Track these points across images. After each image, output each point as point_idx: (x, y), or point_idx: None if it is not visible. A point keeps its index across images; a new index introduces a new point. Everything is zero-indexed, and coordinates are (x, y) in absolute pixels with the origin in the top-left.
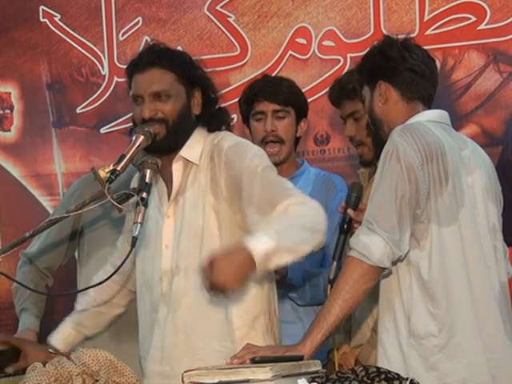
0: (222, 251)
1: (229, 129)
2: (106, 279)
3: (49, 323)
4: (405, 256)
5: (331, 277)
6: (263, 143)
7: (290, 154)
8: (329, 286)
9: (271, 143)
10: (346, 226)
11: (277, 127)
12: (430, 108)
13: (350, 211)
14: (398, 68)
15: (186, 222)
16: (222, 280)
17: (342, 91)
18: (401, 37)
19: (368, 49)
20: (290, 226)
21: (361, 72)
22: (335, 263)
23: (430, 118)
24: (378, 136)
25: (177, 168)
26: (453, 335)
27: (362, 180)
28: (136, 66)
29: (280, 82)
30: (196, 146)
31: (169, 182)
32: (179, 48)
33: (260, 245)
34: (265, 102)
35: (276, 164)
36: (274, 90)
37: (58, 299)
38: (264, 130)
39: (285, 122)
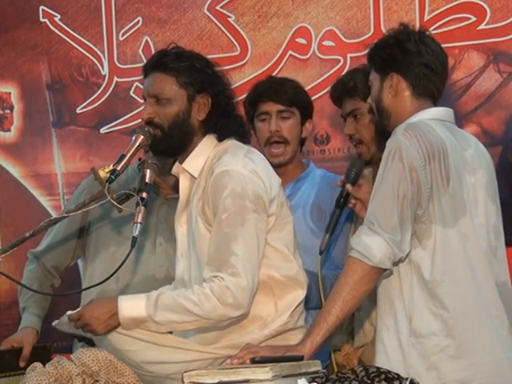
0: (102, 299)
1: (244, 137)
2: (107, 278)
3: (49, 323)
4: (406, 256)
5: (322, 248)
6: (268, 144)
7: (295, 155)
8: (319, 256)
9: (276, 144)
10: (342, 201)
11: (281, 128)
12: (436, 103)
13: (348, 186)
14: (412, 62)
15: (195, 235)
16: (87, 320)
17: (343, 89)
18: (416, 27)
19: (384, 36)
20: (180, 306)
21: (373, 59)
22: (327, 235)
23: (435, 116)
24: (381, 125)
25: (182, 180)
26: (455, 335)
27: (366, 182)
28: (144, 70)
29: (285, 82)
30: (200, 157)
31: None
32: None
33: (131, 310)
34: (269, 102)
35: (281, 165)
36: (278, 91)
37: (60, 299)
38: (268, 131)
39: (289, 123)
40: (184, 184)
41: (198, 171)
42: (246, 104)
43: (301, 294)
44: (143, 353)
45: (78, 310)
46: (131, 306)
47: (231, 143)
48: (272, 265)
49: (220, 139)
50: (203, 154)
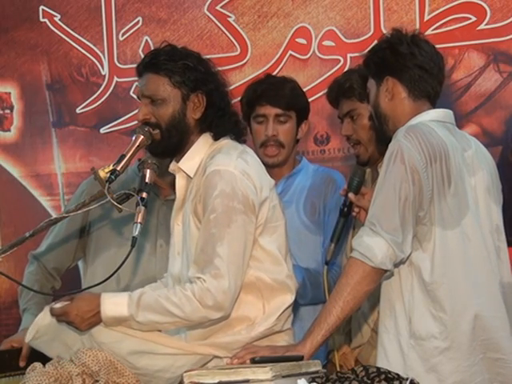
0: (86, 296)
1: (240, 135)
2: (107, 278)
3: None
4: (407, 257)
5: (328, 258)
6: (263, 146)
7: (290, 156)
8: (325, 267)
9: (271, 147)
10: (346, 210)
11: (278, 132)
12: (435, 105)
13: (350, 195)
14: (406, 65)
15: (187, 234)
16: (71, 318)
17: (340, 90)
18: (409, 31)
19: (377, 42)
20: (162, 307)
21: (368, 65)
22: (333, 245)
23: (435, 118)
24: (381, 130)
25: (179, 179)
26: (454, 337)
27: (366, 185)
28: (137, 70)
29: (283, 84)
30: (196, 156)
31: None
32: None
33: (114, 309)
34: (267, 105)
35: (274, 165)
36: (276, 94)
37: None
38: (265, 135)
39: (286, 127)
40: (180, 183)
41: (194, 171)
42: (242, 104)
43: (289, 298)
44: (128, 343)
45: (61, 305)
46: (113, 305)
47: (226, 142)
48: (262, 268)
49: (216, 138)
50: (199, 153)
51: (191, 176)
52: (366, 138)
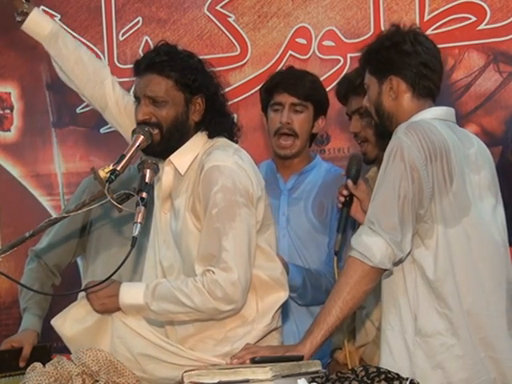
0: (112, 282)
1: (234, 135)
2: (108, 278)
3: (49, 323)
4: (408, 254)
5: (336, 249)
6: (277, 134)
7: (303, 149)
8: (335, 257)
9: (285, 136)
10: (348, 199)
11: (292, 120)
12: (434, 100)
13: (349, 182)
14: (411, 63)
15: (177, 225)
16: (88, 294)
17: (350, 87)
18: (407, 28)
19: (376, 39)
20: (174, 297)
21: (370, 62)
22: (340, 235)
23: (436, 116)
24: (383, 127)
25: (167, 172)
26: (460, 334)
27: (372, 184)
28: (136, 69)
29: (303, 75)
30: (189, 153)
31: None
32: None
33: (131, 297)
34: (284, 93)
35: (287, 157)
36: (295, 83)
37: (60, 299)
38: (279, 122)
39: (301, 117)
40: (168, 177)
41: (185, 168)
42: (261, 92)
43: (283, 296)
44: (142, 343)
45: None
46: (131, 293)
47: (221, 140)
48: (258, 265)
49: (211, 136)
50: (192, 151)
51: (181, 173)
52: (374, 136)
